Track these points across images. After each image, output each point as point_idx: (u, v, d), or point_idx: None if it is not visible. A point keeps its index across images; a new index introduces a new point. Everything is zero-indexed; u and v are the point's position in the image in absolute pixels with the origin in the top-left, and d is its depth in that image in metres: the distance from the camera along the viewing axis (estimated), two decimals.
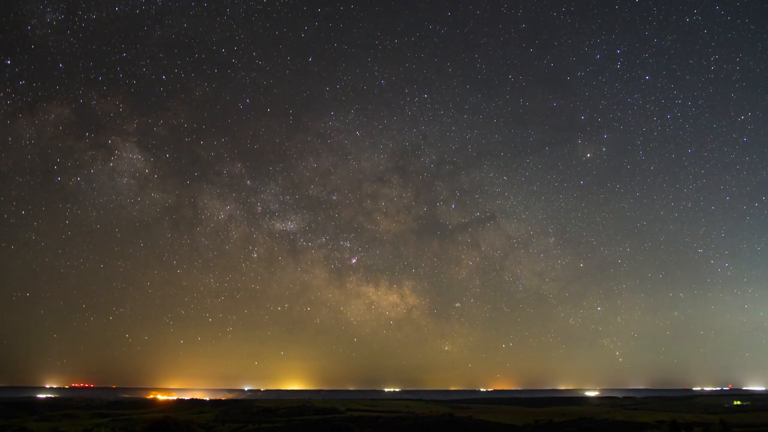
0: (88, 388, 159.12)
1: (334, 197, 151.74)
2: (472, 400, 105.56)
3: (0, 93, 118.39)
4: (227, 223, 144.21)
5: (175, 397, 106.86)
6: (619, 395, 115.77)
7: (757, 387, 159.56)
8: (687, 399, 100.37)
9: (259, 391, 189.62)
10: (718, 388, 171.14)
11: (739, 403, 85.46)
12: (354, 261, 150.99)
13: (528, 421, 62.00)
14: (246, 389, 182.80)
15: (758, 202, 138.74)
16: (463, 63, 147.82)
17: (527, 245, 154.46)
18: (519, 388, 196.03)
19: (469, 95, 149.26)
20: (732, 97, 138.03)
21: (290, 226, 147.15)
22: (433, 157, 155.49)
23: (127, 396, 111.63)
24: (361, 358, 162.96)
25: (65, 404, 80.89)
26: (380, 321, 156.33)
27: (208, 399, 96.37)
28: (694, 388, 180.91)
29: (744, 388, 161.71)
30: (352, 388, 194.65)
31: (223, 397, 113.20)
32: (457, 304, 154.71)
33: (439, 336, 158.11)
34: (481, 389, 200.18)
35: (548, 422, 61.02)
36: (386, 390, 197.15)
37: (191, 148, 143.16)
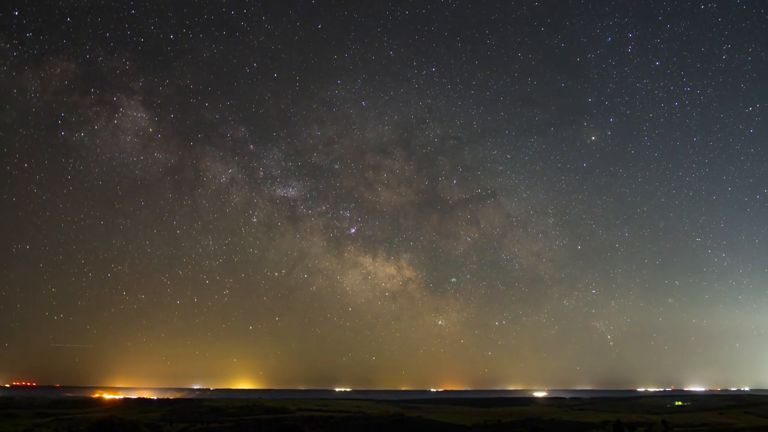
0: (30, 387, 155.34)
1: (337, 166, 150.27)
2: (422, 400, 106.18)
3: (6, 44, 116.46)
4: (228, 187, 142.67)
5: (121, 396, 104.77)
6: (567, 396, 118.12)
7: (697, 387, 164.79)
8: (631, 399, 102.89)
9: (208, 390, 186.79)
10: (661, 389, 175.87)
11: (680, 403, 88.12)
12: (353, 231, 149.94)
13: (477, 421, 62.96)
14: (195, 388, 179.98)
15: (760, 195, 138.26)
16: (473, 38, 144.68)
17: (526, 224, 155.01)
18: (469, 389, 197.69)
19: (477, 71, 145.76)
20: (741, 87, 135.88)
21: (291, 192, 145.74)
22: (438, 131, 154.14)
23: (70, 395, 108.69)
24: (355, 329, 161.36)
25: (5, 403, 78.54)
26: (376, 292, 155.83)
27: (155, 398, 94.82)
28: (638, 389, 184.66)
29: (685, 389, 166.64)
30: (303, 388, 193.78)
31: (171, 396, 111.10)
32: (453, 280, 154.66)
33: (433, 310, 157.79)
34: (432, 389, 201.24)
35: (497, 422, 62.12)
36: (337, 390, 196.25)
37: (196, 110, 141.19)
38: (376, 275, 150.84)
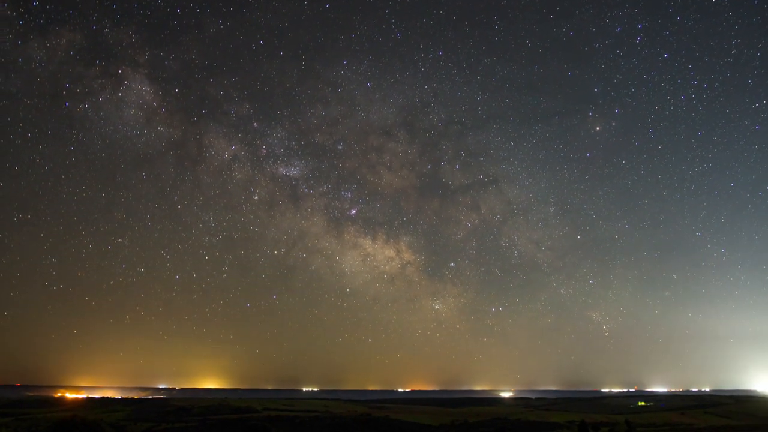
0: None
1: (340, 147, 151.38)
2: (389, 400, 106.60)
3: (12, 12, 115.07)
4: (231, 163, 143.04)
5: (84, 396, 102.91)
6: (533, 396, 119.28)
7: (659, 388, 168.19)
8: (595, 400, 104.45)
9: (174, 389, 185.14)
10: (625, 390, 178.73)
11: (643, 404, 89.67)
12: (353, 212, 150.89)
13: (444, 421, 63.38)
14: (160, 387, 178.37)
15: (762, 191, 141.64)
16: (481, 24, 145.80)
17: (527, 212, 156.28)
18: (436, 389, 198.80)
19: (483, 57, 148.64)
20: (749, 83, 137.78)
21: (293, 171, 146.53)
22: (442, 115, 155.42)
23: (32, 394, 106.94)
24: (353, 310, 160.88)
25: None
26: (374, 274, 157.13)
27: (119, 397, 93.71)
28: (602, 390, 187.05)
29: (648, 390, 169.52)
30: (270, 388, 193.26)
31: (135, 395, 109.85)
32: (452, 264, 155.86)
33: (430, 294, 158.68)
34: (399, 389, 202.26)
35: (463, 422, 62.60)
36: (304, 390, 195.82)
37: (201, 85, 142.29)
38: (375, 257, 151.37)
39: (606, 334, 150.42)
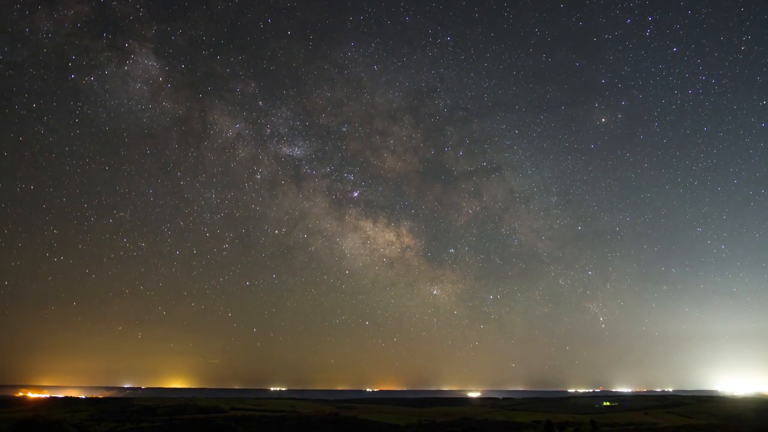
0: None
1: (344, 129, 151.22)
2: (357, 399, 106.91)
3: None
4: (235, 141, 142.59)
5: (47, 395, 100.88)
6: (500, 396, 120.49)
7: (624, 389, 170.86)
8: (561, 400, 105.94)
9: (139, 389, 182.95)
10: (590, 390, 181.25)
11: (608, 404, 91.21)
12: (356, 194, 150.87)
13: (411, 421, 63.85)
14: (125, 387, 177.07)
15: (765, 189, 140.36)
16: (491, 10, 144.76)
17: (529, 201, 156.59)
18: (404, 389, 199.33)
19: (492, 44, 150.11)
20: (757, 80, 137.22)
21: (297, 152, 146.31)
22: (448, 101, 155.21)
23: None
24: (351, 292, 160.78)
25: None
26: (374, 257, 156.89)
27: (83, 397, 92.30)
28: (568, 390, 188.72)
29: (613, 390, 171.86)
30: (237, 387, 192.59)
31: (100, 395, 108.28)
32: (452, 250, 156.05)
33: (429, 279, 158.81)
34: (367, 389, 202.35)
35: (431, 422, 63.11)
36: (272, 389, 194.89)
37: (207, 62, 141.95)
38: (375, 240, 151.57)
39: (603, 326, 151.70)
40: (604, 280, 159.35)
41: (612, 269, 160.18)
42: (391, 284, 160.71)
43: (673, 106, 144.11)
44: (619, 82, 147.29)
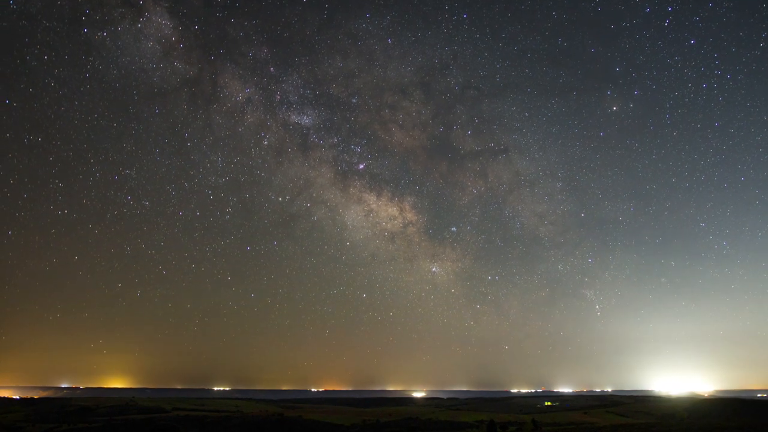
0: None
1: (354, 100, 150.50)
2: (302, 399, 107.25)
3: None
4: (244, 106, 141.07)
5: None
6: (444, 396, 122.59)
7: (565, 389, 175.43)
8: (504, 400, 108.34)
9: (77, 388, 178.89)
10: (533, 390, 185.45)
11: (549, 404, 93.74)
12: (361, 167, 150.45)
13: (356, 421, 64.56)
14: (63, 387, 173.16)
15: None
16: None
17: (534, 185, 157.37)
18: (350, 389, 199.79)
19: (508, 24, 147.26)
20: None
21: (305, 120, 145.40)
22: (460, 79, 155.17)
23: None
24: (350, 264, 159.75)
25: None
26: (375, 230, 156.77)
27: (17, 397, 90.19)
28: (511, 391, 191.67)
29: (555, 390, 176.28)
30: (179, 387, 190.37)
31: (35, 395, 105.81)
32: (453, 229, 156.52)
33: (429, 256, 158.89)
34: (312, 389, 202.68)
35: (375, 422, 63.94)
36: (216, 389, 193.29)
37: (221, 24, 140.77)
38: (378, 214, 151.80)
39: (598, 314, 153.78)
40: (603, 268, 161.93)
41: (612, 258, 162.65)
42: (390, 259, 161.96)
43: (686, 99, 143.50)
44: (634, 71, 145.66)
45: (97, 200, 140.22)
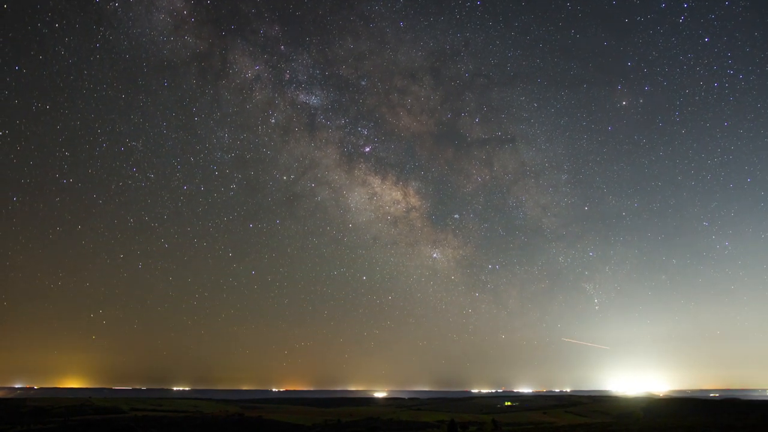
0: None
1: (363, 82, 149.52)
2: (263, 399, 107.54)
3: None
4: (253, 83, 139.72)
5: None
6: (406, 396, 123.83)
7: (525, 389, 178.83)
8: (465, 400, 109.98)
9: (32, 389, 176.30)
10: (493, 390, 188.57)
11: (509, 404, 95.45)
12: (367, 149, 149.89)
13: (317, 421, 65.07)
14: (16, 387, 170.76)
15: None
16: None
17: (539, 176, 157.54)
18: (311, 388, 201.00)
19: (521, 13, 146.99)
20: None
21: (313, 100, 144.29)
22: (470, 66, 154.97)
23: None
24: (352, 246, 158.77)
25: None
26: (378, 214, 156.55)
27: None
28: (472, 390, 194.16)
29: (515, 390, 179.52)
30: (138, 387, 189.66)
31: None
32: (456, 216, 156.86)
33: (431, 242, 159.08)
34: (273, 389, 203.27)
35: (336, 422, 64.52)
36: (175, 389, 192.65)
37: (233, 0, 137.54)
38: (381, 197, 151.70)
39: (597, 308, 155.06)
40: (604, 262, 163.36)
41: (613, 253, 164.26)
42: (392, 242, 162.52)
43: (697, 98, 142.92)
44: (645, 66, 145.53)
45: (102, 171, 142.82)
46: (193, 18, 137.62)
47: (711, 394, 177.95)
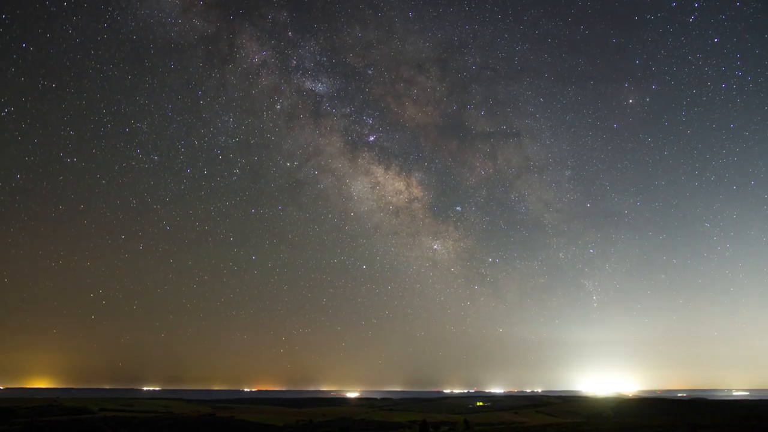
0: None
1: (370, 71, 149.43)
2: (235, 399, 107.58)
3: None
4: (259, 69, 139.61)
5: None
6: (378, 396, 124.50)
7: (497, 389, 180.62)
8: (437, 400, 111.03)
9: None
10: (465, 390, 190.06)
11: (481, 404, 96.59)
12: (372, 139, 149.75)
13: (289, 421, 65.38)
14: None
15: None
16: None
17: (542, 171, 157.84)
18: (283, 388, 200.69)
19: (531, 7, 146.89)
20: None
21: (319, 88, 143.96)
22: (477, 59, 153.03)
23: None
24: (353, 234, 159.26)
25: None
26: (380, 203, 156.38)
27: None
28: (444, 391, 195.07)
29: (486, 390, 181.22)
30: (107, 386, 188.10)
31: None
32: (458, 208, 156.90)
33: (432, 233, 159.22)
34: (245, 389, 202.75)
35: (308, 422, 64.90)
36: (145, 389, 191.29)
37: None
38: (384, 187, 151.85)
39: (595, 305, 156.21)
40: (604, 260, 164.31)
41: (614, 251, 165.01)
42: (393, 232, 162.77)
43: (704, 98, 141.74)
44: (653, 65, 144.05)
45: (106, 151, 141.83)
46: (202, 1, 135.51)
47: (679, 394, 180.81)
